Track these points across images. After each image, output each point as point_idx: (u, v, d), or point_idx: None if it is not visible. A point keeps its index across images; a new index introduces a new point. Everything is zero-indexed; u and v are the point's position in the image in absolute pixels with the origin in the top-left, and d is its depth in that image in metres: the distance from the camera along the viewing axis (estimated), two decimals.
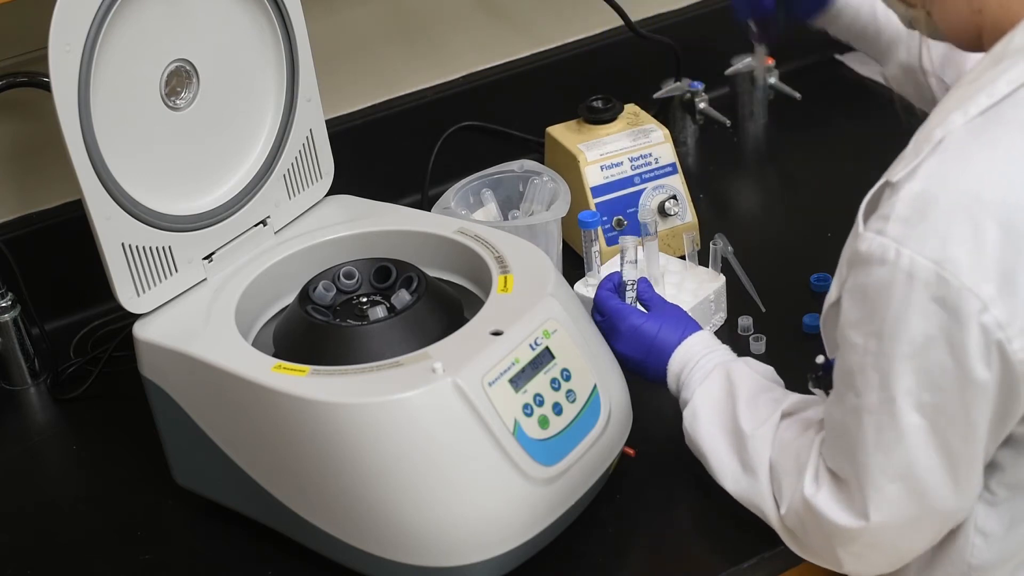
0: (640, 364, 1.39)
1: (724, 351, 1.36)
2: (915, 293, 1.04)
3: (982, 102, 1.07)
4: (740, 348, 1.49)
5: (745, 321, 1.61)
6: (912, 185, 1.06)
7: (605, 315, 1.42)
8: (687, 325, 1.39)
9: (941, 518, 1.15)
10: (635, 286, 1.45)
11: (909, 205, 1.05)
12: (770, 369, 1.36)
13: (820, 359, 1.25)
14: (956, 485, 1.11)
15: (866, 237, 1.07)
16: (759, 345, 1.57)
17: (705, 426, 1.30)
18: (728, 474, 1.28)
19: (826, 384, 1.23)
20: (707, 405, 1.31)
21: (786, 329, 1.59)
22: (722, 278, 1.61)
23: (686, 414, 1.33)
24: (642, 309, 1.43)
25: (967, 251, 1.03)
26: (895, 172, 1.08)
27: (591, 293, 1.61)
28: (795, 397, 1.29)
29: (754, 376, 1.32)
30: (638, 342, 1.39)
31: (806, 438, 1.22)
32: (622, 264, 1.47)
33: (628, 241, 1.48)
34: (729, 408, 1.29)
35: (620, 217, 1.71)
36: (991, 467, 1.15)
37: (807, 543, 1.22)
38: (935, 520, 1.15)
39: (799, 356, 1.54)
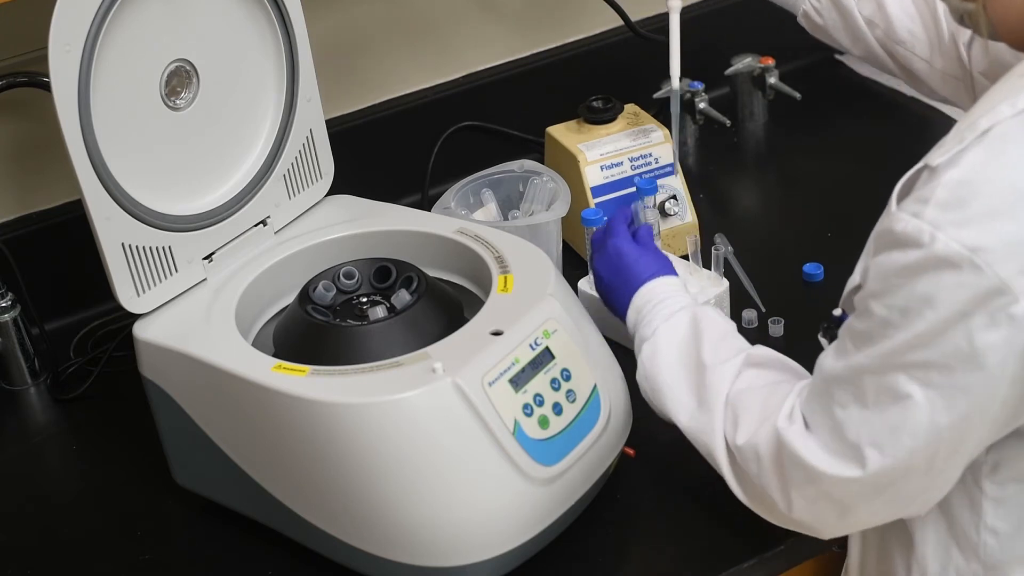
0: (608, 287, 1.43)
1: (689, 299, 1.38)
2: (945, 277, 1.04)
3: None
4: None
5: (749, 314, 1.61)
6: (954, 172, 1.05)
7: (601, 231, 1.48)
8: (665, 268, 1.41)
9: (898, 495, 1.14)
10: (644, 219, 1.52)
11: (950, 191, 1.04)
12: (733, 324, 1.36)
13: (837, 312, 1.23)
14: (929, 470, 1.11)
15: (901, 217, 1.06)
16: None
17: (665, 360, 1.31)
18: (683, 408, 1.28)
19: (833, 337, 1.22)
20: (670, 342, 1.32)
21: (785, 328, 1.59)
22: (725, 282, 1.60)
23: (645, 348, 1.34)
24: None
25: (1004, 242, 1.02)
26: (935, 157, 1.07)
27: (595, 292, 1.61)
28: (764, 350, 1.29)
29: (720, 322, 1.33)
30: (614, 264, 1.42)
31: (779, 388, 1.22)
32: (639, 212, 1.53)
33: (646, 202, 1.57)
34: (693, 346, 1.30)
35: None
36: (998, 463, 1.15)
37: (758, 482, 1.21)
38: (895, 499, 1.14)
39: (798, 355, 1.54)
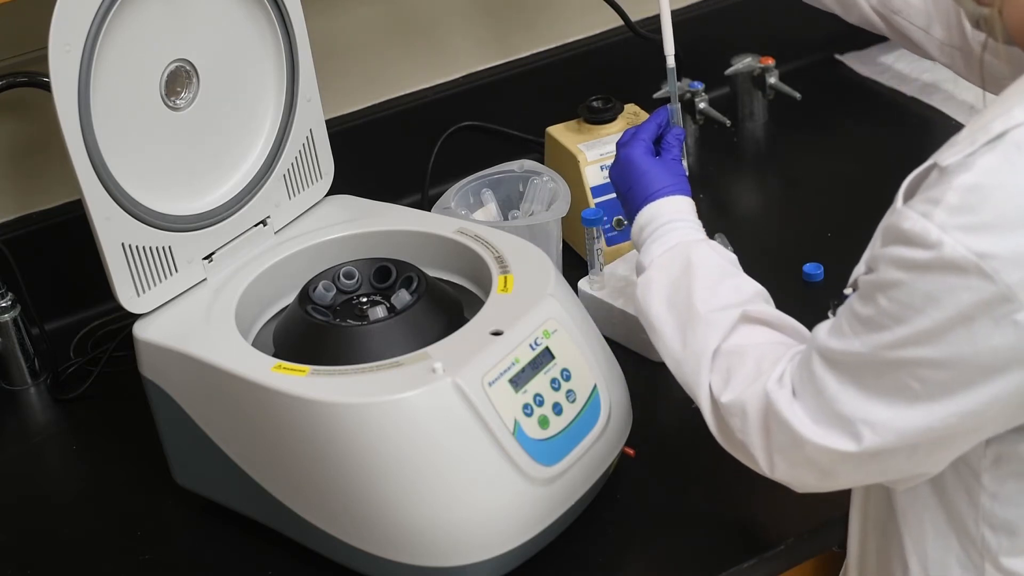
0: (620, 198, 1.42)
1: (692, 227, 1.37)
2: (951, 280, 1.03)
3: None
4: None
5: None
6: (967, 176, 1.04)
7: (629, 132, 1.45)
8: (675, 185, 1.39)
9: (881, 469, 1.14)
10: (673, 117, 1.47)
11: (961, 196, 1.04)
12: (733, 256, 1.35)
13: (848, 291, 1.22)
14: (912, 455, 1.11)
15: (909, 216, 1.06)
16: None
17: (656, 299, 1.31)
18: (670, 351, 1.28)
19: None
20: (663, 280, 1.31)
21: None
22: None
23: (641, 280, 1.33)
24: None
25: (1013, 251, 1.02)
26: (945, 156, 1.07)
27: (595, 291, 1.61)
28: (762, 307, 1.28)
29: (717, 259, 1.32)
30: (624, 174, 1.41)
31: (774, 349, 1.22)
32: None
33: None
34: (685, 288, 1.29)
35: (620, 217, 1.71)
36: (999, 457, 1.14)
37: (741, 437, 1.21)
38: (878, 473, 1.15)
39: None
